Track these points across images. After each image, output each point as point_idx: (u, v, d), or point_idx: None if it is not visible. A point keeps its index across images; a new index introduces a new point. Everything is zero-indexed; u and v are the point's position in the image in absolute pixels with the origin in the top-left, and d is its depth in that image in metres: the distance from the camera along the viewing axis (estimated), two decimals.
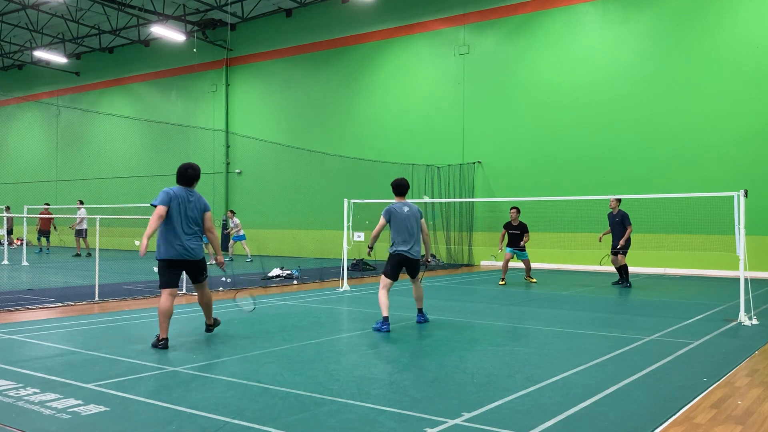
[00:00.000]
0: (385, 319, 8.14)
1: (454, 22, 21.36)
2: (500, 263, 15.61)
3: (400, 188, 8.60)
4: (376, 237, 8.53)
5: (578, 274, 17.27)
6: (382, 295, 8.28)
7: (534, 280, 14.79)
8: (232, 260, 21.04)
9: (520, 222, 14.52)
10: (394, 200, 8.60)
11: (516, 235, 14.46)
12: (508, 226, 14.64)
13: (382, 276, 8.39)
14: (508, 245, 14.65)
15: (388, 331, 8.00)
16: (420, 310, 8.72)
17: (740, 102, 16.87)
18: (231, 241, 21.67)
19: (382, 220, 8.40)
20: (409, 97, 22.27)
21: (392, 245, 8.42)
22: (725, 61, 17.11)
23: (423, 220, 8.64)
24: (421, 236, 8.58)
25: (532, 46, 19.97)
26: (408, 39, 22.39)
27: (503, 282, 14.56)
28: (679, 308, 10.46)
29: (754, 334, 7.99)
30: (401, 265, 8.40)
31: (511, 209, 14.62)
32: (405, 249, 8.33)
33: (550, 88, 19.53)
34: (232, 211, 22.42)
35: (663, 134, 17.83)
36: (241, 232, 21.63)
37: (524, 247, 14.51)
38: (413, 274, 8.60)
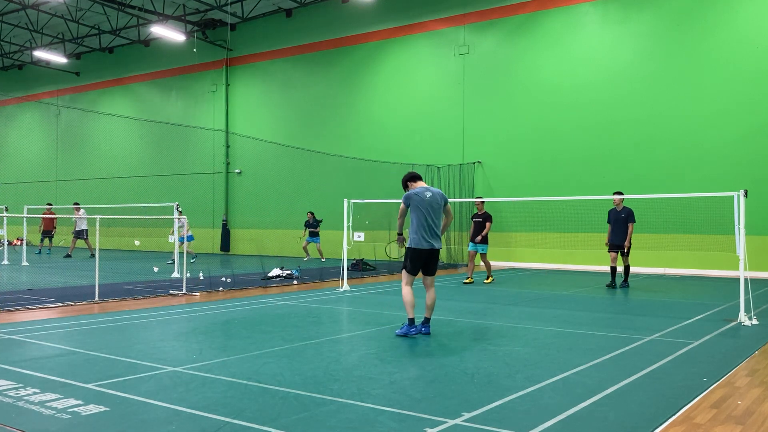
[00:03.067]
0: (411, 321, 7.52)
1: (454, 22, 21.36)
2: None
3: (415, 177, 7.82)
4: (402, 223, 7.79)
5: (578, 274, 17.26)
6: (407, 293, 7.56)
7: (488, 281, 14.50)
8: (196, 257, 20.54)
9: (485, 212, 14.38)
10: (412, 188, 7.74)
11: (478, 223, 14.30)
12: (474, 215, 14.61)
13: (403, 271, 7.70)
14: (471, 238, 14.46)
15: (416, 335, 7.48)
16: (427, 320, 7.68)
17: (740, 102, 16.87)
18: (182, 243, 19.99)
19: (402, 207, 7.65)
20: (409, 97, 22.27)
21: (411, 237, 7.61)
22: (725, 61, 17.11)
23: (449, 205, 7.82)
24: (441, 224, 7.72)
25: (532, 46, 19.97)
26: (408, 39, 22.39)
27: (469, 280, 14.43)
28: (679, 308, 10.46)
29: (754, 334, 7.99)
30: (421, 260, 7.58)
31: (476, 197, 14.59)
32: (427, 243, 7.51)
33: (550, 88, 19.53)
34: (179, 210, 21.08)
35: (663, 134, 17.83)
36: (189, 233, 19.56)
37: (485, 239, 14.23)
38: (429, 271, 7.69)
